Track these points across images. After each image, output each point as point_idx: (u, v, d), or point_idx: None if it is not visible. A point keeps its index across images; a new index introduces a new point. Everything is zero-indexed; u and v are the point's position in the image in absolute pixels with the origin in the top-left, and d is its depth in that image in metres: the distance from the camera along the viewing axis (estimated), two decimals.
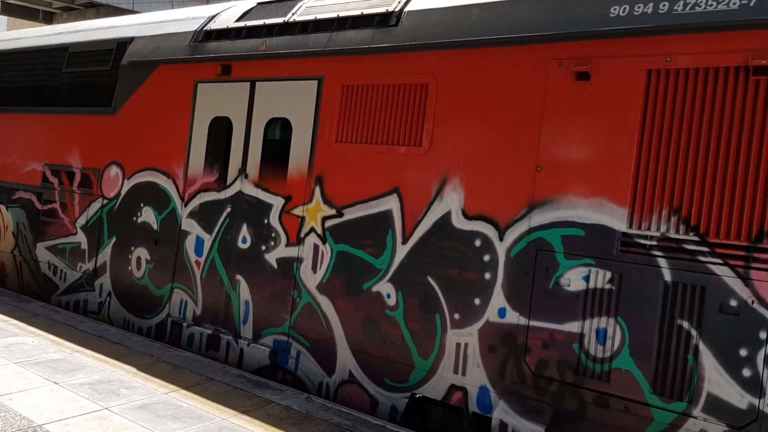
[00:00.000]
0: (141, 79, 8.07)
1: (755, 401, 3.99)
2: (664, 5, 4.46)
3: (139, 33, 8.41)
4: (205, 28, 7.58)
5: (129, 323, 7.91)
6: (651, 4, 4.52)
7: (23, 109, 9.73)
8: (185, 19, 8.08)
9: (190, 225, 7.32)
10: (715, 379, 4.12)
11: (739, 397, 4.04)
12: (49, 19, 36.32)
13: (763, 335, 3.98)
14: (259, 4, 7.57)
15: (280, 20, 6.84)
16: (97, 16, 30.39)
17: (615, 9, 4.66)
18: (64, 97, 9.20)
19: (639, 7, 4.55)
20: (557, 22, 4.88)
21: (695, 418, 4.19)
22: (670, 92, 4.38)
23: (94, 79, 8.75)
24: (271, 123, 6.68)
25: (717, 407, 4.12)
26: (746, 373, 4.02)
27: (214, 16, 7.75)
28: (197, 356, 6.53)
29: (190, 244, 7.31)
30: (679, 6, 4.39)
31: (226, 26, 7.33)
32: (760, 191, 4.04)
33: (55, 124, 9.21)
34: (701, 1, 4.32)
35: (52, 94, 9.37)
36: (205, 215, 7.17)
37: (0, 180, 10.05)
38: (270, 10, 7.19)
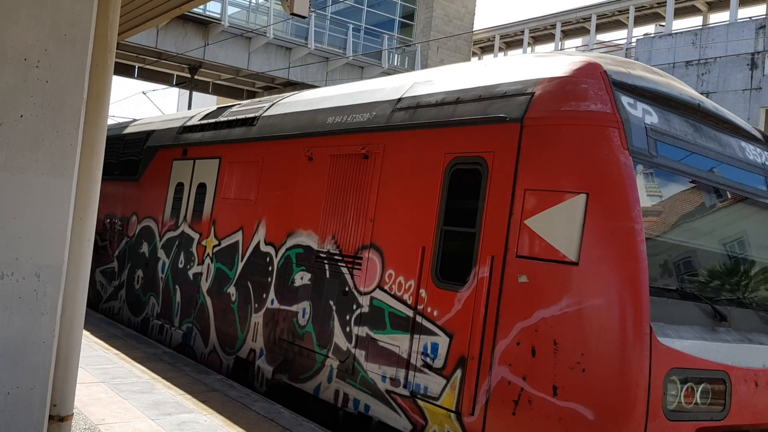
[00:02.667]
0: (151, 158, 12.15)
1: (349, 345, 6.83)
2: (344, 117, 7.59)
3: (156, 127, 12.58)
4: (184, 125, 11.53)
5: (130, 321, 11.74)
6: (345, 117, 7.66)
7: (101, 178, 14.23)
8: (180, 118, 12.12)
9: (161, 253, 11.08)
10: (338, 334, 7.00)
11: (345, 343, 6.89)
12: (252, 96, 42.88)
13: (354, 307, 6.85)
14: (217, 108, 11.42)
15: (213, 120, 10.60)
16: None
17: (330, 119, 7.85)
18: (120, 170, 13.56)
19: (338, 119, 7.71)
20: (306, 127, 8.14)
21: (330, 357, 7.07)
22: (338, 168, 7.46)
23: (132, 158, 13.01)
24: (199, 186, 10.34)
25: (337, 350, 6.98)
26: (347, 329, 6.88)
27: (192, 116, 11.70)
28: None
29: (160, 266, 11.05)
30: (346, 118, 7.51)
31: (191, 124, 11.23)
32: (359, 228, 6.98)
33: (114, 188, 13.56)
34: (356, 115, 7.42)
35: (115, 167, 13.79)
36: (168, 246, 10.90)
37: None
38: (215, 113, 10.98)
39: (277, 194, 8.46)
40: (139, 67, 37.58)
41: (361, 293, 6.82)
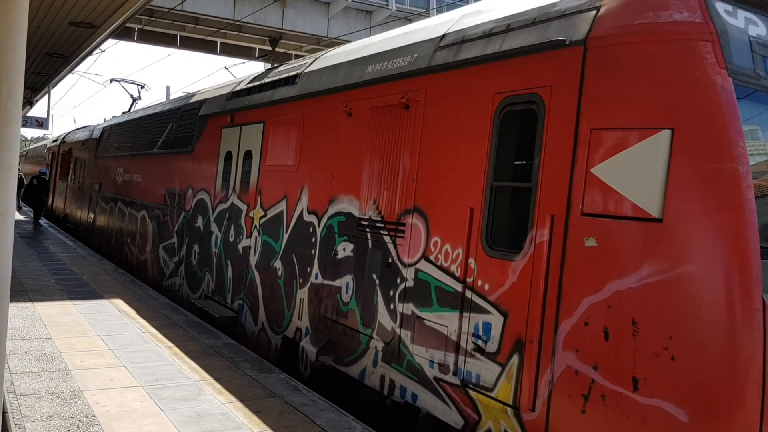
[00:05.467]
0: (203, 127, 11.57)
1: (394, 324, 5.92)
2: (384, 65, 6.59)
3: (209, 96, 11.98)
4: (233, 90, 10.83)
5: (189, 298, 11.30)
6: (385, 63, 6.67)
7: (162, 152, 13.84)
8: (229, 84, 11.44)
9: (213, 227, 10.51)
10: (381, 312, 6.10)
11: (389, 323, 5.99)
12: None
13: (398, 281, 5.91)
14: (266, 69, 10.64)
15: (258, 83, 9.83)
16: None
17: (370, 68, 6.87)
18: (177, 143, 13.10)
19: (378, 66, 6.72)
20: (345, 80, 7.19)
21: (374, 338, 6.19)
22: (377, 122, 6.49)
23: (187, 130, 12.49)
24: (246, 153, 9.63)
25: (381, 331, 6.09)
26: (391, 306, 5.97)
27: (241, 81, 10.99)
28: None
29: (213, 240, 10.49)
30: (386, 65, 6.51)
31: (239, 89, 10.52)
32: (402, 190, 6.01)
33: (172, 162, 13.13)
34: (396, 60, 6.41)
35: (173, 141, 13.34)
36: (219, 219, 10.30)
37: (149, 201, 14.29)
38: (262, 76, 10.21)
39: (318, 157, 7.60)
40: (221, 42, 37.65)
41: (405, 265, 5.87)
